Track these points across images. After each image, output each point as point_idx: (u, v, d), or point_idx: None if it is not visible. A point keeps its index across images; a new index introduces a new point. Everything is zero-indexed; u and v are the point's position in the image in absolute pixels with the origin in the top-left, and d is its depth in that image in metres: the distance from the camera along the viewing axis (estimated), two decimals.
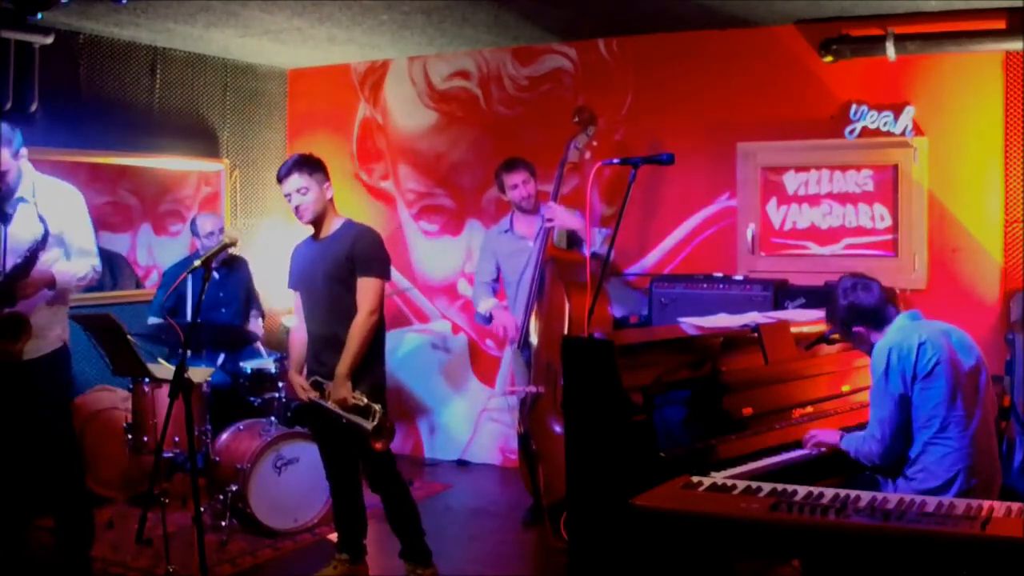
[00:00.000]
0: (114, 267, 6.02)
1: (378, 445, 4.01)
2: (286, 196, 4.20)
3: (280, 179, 4.20)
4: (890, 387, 3.35)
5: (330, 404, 4.11)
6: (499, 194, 5.52)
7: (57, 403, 4.14)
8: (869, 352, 3.55)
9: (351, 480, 4.42)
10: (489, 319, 5.38)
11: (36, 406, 4.02)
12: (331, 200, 4.26)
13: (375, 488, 4.34)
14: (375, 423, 3.99)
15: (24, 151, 4.02)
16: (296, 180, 4.15)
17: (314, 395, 4.19)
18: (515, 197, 5.28)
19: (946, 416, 3.28)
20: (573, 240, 5.21)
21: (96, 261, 4.18)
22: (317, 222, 4.24)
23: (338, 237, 4.23)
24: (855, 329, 3.56)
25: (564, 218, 5.08)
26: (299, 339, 4.36)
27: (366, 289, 4.15)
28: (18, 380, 3.96)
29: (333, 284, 4.18)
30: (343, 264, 4.16)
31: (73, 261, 4.06)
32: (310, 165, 4.21)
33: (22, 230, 3.95)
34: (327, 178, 4.24)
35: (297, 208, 4.18)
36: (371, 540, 4.52)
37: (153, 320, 5.55)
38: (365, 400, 4.06)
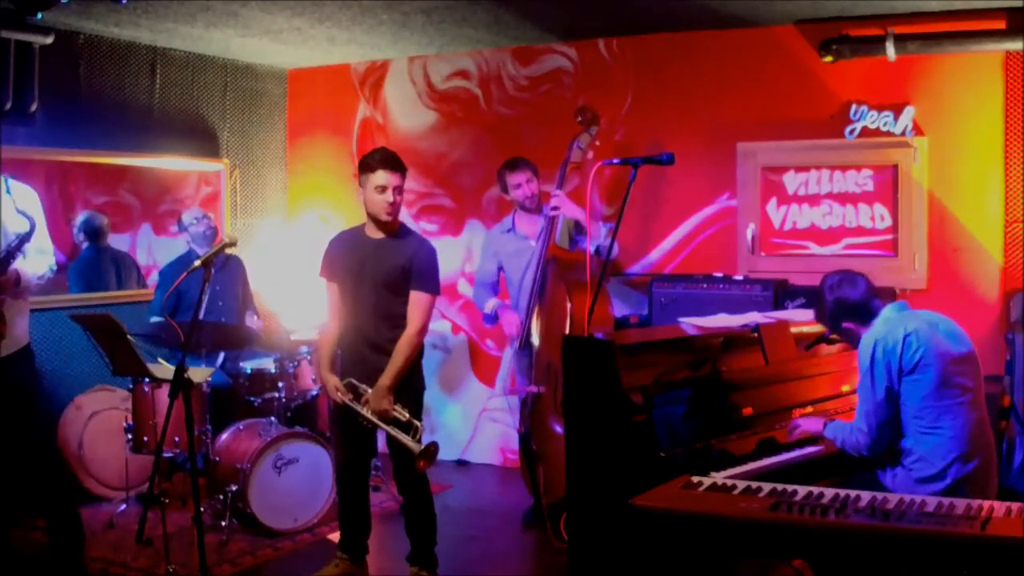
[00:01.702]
0: (120, 268, 6.03)
1: (421, 464, 4.01)
2: (379, 187, 4.09)
3: (382, 167, 4.10)
4: (876, 381, 3.35)
5: (367, 413, 4.09)
6: (501, 193, 5.52)
7: (30, 401, 4.13)
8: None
9: (362, 481, 4.42)
10: (495, 318, 5.38)
11: (11, 405, 4.01)
12: None
13: (403, 491, 4.33)
14: (422, 445, 3.99)
15: None
16: (399, 178, 4.13)
17: (348, 397, 4.16)
18: (518, 196, 5.29)
19: (936, 406, 3.29)
20: (579, 229, 5.21)
21: (52, 260, 4.18)
22: (391, 223, 4.19)
23: (395, 242, 4.20)
24: (844, 325, 3.57)
25: (569, 207, 5.09)
26: (331, 335, 4.31)
27: (418, 304, 4.15)
28: None
29: (383, 289, 4.15)
30: (398, 271, 4.14)
31: (30, 260, 4.05)
32: (405, 170, 4.20)
33: None
34: None
35: (392, 204, 4.11)
36: (372, 540, 4.51)
37: (155, 319, 5.55)
38: (407, 415, 4.06)
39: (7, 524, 4.49)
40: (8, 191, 4.05)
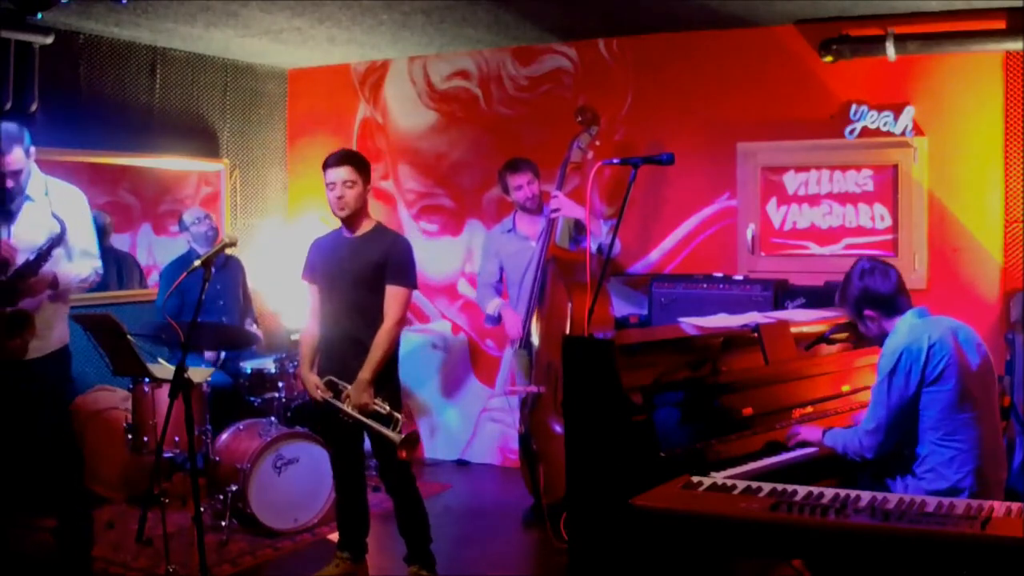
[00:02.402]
0: (122, 267, 6.04)
1: (403, 454, 4.03)
2: (330, 185, 4.17)
3: (328, 166, 4.19)
4: (895, 387, 3.32)
5: (348, 407, 4.11)
6: (502, 194, 5.53)
7: (58, 403, 4.14)
8: (875, 336, 3.51)
9: (357, 479, 4.43)
10: (498, 319, 5.38)
11: (38, 406, 4.03)
12: (367, 201, 4.28)
13: (391, 491, 4.34)
14: (402, 434, 4.02)
15: (33, 150, 4.04)
16: (346, 172, 4.16)
17: (328, 395, 4.18)
18: (519, 198, 5.29)
19: (955, 419, 3.26)
20: (580, 228, 5.21)
21: (98, 263, 4.19)
22: (351, 219, 4.23)
23: (371, 239, 4.24)
24: (866, 312, 3.49)
25: (569, 207, 5.09)
26: (311, 335, 4.34)
27: (395, 298, 4.18)
28: (21, 380, 3.97)
29: (360, 286, 4.18)
30: (374, 267, 4.17)
31: (75, 262, 4.07)
32: (361, 162, 4.23)
33: (28, 229, 3.97)
34: (369, 180, 4.28)
35: (340, 199, 4.16)
36: (372, 540, 4.52)
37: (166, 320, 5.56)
38: (387, 407, 4.08)
39: (10, 524, 4.49)
40: (47, 192, 4.07)
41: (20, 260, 3.88)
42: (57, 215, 3.94)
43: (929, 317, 3.46)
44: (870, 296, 3.47)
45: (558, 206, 5.08)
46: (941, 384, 3.27)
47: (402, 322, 4.23)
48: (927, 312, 3.49)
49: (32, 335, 3.91)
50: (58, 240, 3.92)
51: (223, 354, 5.66)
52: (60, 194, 4.11)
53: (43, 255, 3.89)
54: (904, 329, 3.40)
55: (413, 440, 4.04)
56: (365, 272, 4.18)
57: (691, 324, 3.97)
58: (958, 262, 5.20)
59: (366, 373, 4.10)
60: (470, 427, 6.55)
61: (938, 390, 3.27)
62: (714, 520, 2.71)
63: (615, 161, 4.19)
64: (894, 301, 3.46)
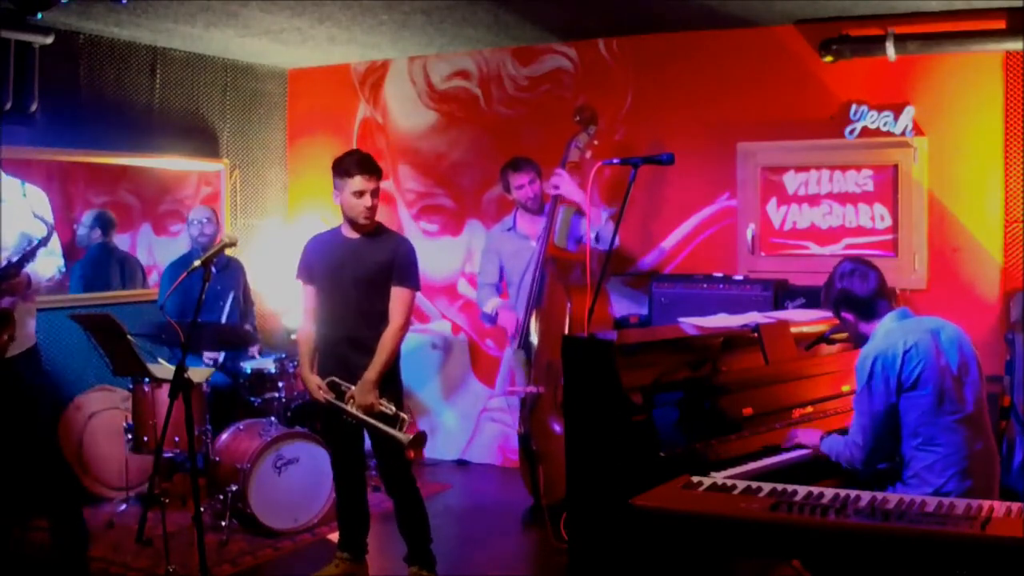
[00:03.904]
0: (125, 268, 6.04)
1: (411, 454, 4.05)
2: (357, 192, 4.13)
3: (357, 173, 4.12)
4: (874, 395, 3.29)
5: (352, 408, 4.11)
6: (504, 192, 5.53)
7: (34, 400, 4.15)
8: (855, 340, 3.50)
9: (358, 479, 4.44)
10: (494, 318, 5.38)
11: (16, 403, 4.03)
12: None
13: (391, 491, 4.34)
14: (409, 434, 4.02)
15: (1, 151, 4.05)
16: (375, 181, 4.16)
17: (331, 396, 4.18)
18: (520, 197, 5.29)
19: (934, 423, 3.22)
20: (580, 212, 5.19)
21: (61, 262, 4.21)
22: (371, 225, 4.23)
23: (374, 240, 4.24)
24: (843, 315, 3.49)
25: (569, 189, 5.07)
26: (308, 335, 4.33)
27: (400, 300, 4.19)
28: (2, 378, 3.97)
29: (364, 287, 4.18)
30: (381, 269, 4.17)
31: (40, 262, 4.07)
32: (381, 172, 4.23)
33: None
34: None
35: (370, 209, 4.15)
36: (372, 540, 4.52)
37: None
38: (393, 408, 4.09)
39: (9, 523, 4.49)
40: (24, 194, 4.07)
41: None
42: (42, 217, 3.96)
43: (909, 319, 3.42)
44: (847, 298, 3.45)
45: (558, 183, 5.06)
46: (919, 390, 3.23)
47: (408, 324, 4.24)
48: (909, 313, 3.45)
49: (12, 334, 3.93)
50: (45, 240, 3.94)
51: (222, 355, 5.66)
52: (34, 196, 4.12)
53: (28, 255, 3.91)
54: (880, 334, 3.37)
55: (421, 440, 4.05)
56: (370, 273, 4.18)
57: (691, 324, 3.97)
58: (958, 262, 5.19)
59: (372, 374, 4.10)
60: (470, 427, 6.55)
61: (916, 395, 3.23)
62: (714, 520, 2.71)
63: (615, 161, 4.18)
64: (872, 304, 3.42)
